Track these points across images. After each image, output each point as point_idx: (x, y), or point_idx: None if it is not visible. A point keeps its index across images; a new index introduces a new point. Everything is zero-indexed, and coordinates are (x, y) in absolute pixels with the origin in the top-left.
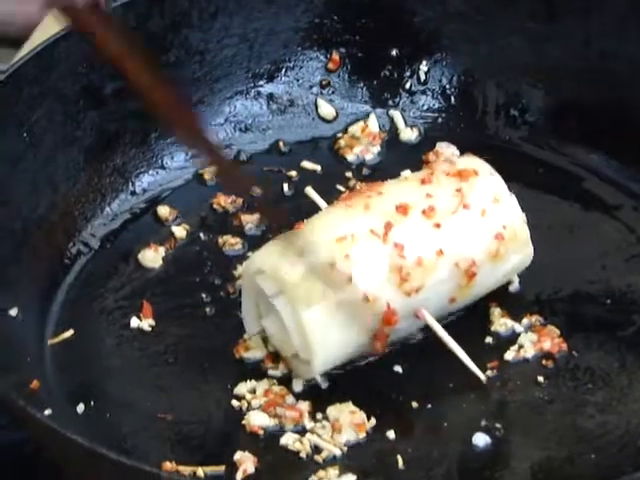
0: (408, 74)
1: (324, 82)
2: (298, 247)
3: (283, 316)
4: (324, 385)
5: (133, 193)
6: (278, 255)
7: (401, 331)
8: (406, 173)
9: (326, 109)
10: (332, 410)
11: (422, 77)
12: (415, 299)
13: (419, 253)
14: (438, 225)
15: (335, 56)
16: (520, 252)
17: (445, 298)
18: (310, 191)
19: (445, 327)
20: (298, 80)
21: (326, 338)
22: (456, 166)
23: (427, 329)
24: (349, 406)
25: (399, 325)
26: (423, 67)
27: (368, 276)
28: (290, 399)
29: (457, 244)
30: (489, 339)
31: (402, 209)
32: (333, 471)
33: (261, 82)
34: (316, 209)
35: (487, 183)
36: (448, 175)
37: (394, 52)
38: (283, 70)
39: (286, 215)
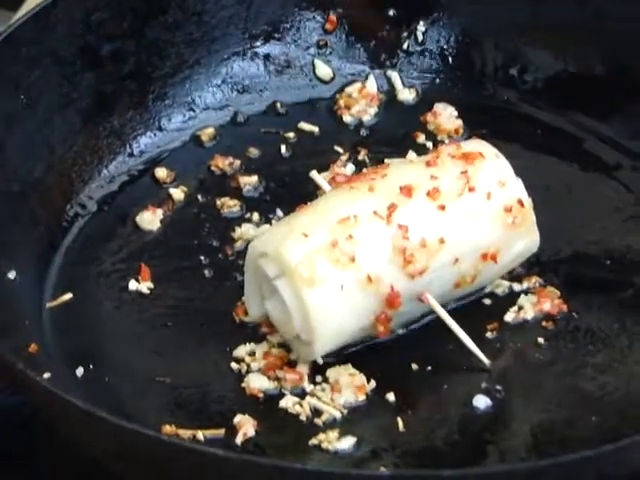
0: (406, 34)
1: (321, 43)
2: (300, 229)
3: (285, 297)
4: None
5: (130, 155)
6: (281, 237)
7: (405, 315)
8: (412, 156)
9: (323, 70)
10: (332, 372)
11: (420, 37)
12: (419, 282)
13: (423, 235)
14: (443, 207)
15: (332, 17)
16: (526, 237)
17: (450, 283)
18: (315, 175)
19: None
20: (295, 41)
21: (328, 319)
22: (462, 149)
23: (431, 314)
24: (349, 368)
25: (402, 308)
26: (421, 27)
27: (371, 257)
28: (290, 361)
29: (462, 227)
30: (487, 301)
31: (406, 190)
32: (333, 434)
33: (258, 43)
34: (315, 170)
35: (493, 166)
36: (454, 158)
37: (391, 12)
38: (280, 31)
39: None
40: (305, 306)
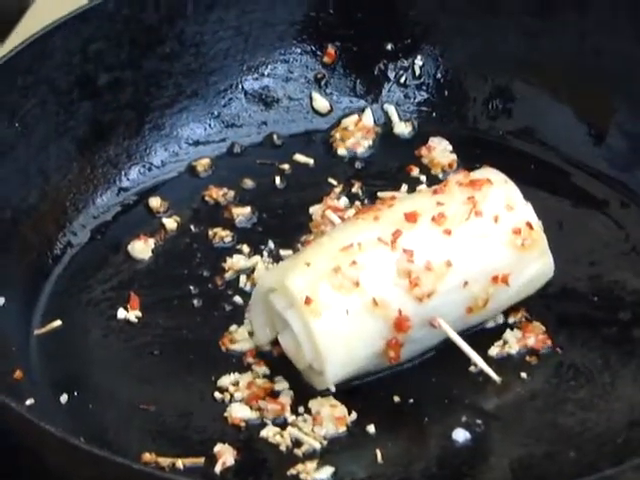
0: (403, 68)
1: (319, 76)
2: (304, 259)
3: (294, 328)
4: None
5: (125, 184)
6: (285, 270)
7: (418, 342)
8: (422, 187)
9: (321, 103)
10: (313, 403)
11: (417, 71)
12: (428, 306)
13: (428, 258)
14: (449, 232)
15: (330, 50)
16: (538, 260)
17: (461, 307)
18: (329, 213)
19: None
20: (293, 73)
21: (336, 345)
22: (470, 177)
23: (448, 341)
24: (330, 400)
25: (414, 334)
26: (418, 61)
27: (376, 281)
28: (273, 392)
29: (469, 250)
30: (473, 334)
31: (411, 217)
32: (311, 465)
33: (256, 75)
34: (308, 202)
35: (500, 191)
36: (461, 185)
37: (389, 46)
38: (278, 63)
39: None
40: (312, 334)
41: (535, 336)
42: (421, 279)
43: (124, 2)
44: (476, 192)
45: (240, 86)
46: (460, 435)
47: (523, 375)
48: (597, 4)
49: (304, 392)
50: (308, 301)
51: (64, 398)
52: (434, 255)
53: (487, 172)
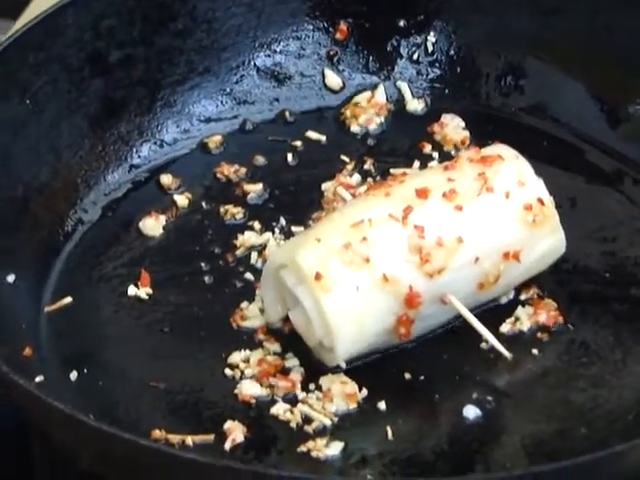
0: (416, 45)
1: (331, 52)
2: (314, 235)
3: (304, 304)
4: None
5: (137, 161)
6: (296, 246)
7: (429, 319)
8: (433, 164)
9: (333, 79)
10: (324, 380)
11: (430, 48)
12: (439, 282)
13: (440, 234)
14: (460, 207)
15: (342, 26)
16: (550, 236)
17: (472, 283)
18: (340, 189)
19: None
20: (305, 50)
21: (346, 321)
22: (481, 153)
23: (456, 320)
24: (341, 377)
25: (425, 310)
26: (431, 38)
27: (386, 256)
28: (283, 369)
29: (480, 226)
30: (485, 311)
31: (422, 193)
32: (321, 441)
33: (268, 52)
34: (319, 179)
35: (512, 167)
36: (472, 162)
37: (402, 23)
38: (290, 40)
39: None
40: (322, 310)
41: (547, 313)
42: (432, 255)
43: None
44: (487, 168)
45: (252, 63)
46: (471, 412)
47: (534, 352)
48: None
49: (315, 369)
50: (318, 277)
51: (74, 375)
52: (445, 231)
53: (498, 148)
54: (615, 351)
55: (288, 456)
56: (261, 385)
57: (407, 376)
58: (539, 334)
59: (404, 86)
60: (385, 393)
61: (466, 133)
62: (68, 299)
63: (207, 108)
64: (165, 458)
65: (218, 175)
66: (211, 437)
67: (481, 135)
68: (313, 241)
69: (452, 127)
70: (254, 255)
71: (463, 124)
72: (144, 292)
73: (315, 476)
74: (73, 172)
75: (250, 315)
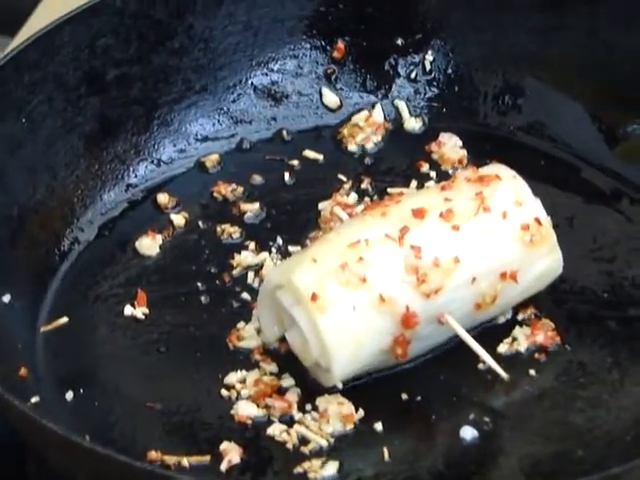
0: (413, 64)
1: (329, 71)
2: (311, 256)
3: (301, 325)
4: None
5: (133, 180)
6: (292, 266)
7: (426, 339)
8: (431, 183)
9: (330, 98)
10: (321, 401)
11: (427, 67)
12: (436, 302)
13: (436, 254)
14: (457, 227)
15: (340, 45)
16: (547, 256)
17: (469, 303)
18: (337, 209)
19: None
20: (302, 69)
21: (343, 342)
22: (478, 173)
23: (453, 340)
24: (338, 397)
25: (421, 330)
26: (429, 57)
27: (383, 277)
28: (280, 389)
29: (477, 246)
30: (483, 331)
31: (419, 213)
32: (317, 462)
33: (265, 70)
34: (316, 198)
35: (509, 186)
36: (470, 181)
37: (399, 41)
38: (287, 58)
39: None
40: (319, 330)
41: (544, 333)
42: (429, 275)
43: None
44: (484, 188)
45: (249, 81)
46: (468, 433)
47: (532, 372)
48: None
49: (311, 389)
50: (314, 297)
51: (70, 395)
52: (442, 251)
53: (496, 168)
54: (613, 372)
55: (284, 477)
56: (257, 406)
57: (404, 397)
58: (536, 355)
59: (402, 105)
60: (382, 414)
61: (464, 152)
62: (64, 319)
63: (204, 127)
64: None
65: (215, 194)
66: (207, 458)
67: (479, 154)
68: (309, 261)
69: (450, 146)
70: (251, 275)
71: (461, 143)
72: (140, 312)
73: None
74: (69, 191)
75: (246, 335)
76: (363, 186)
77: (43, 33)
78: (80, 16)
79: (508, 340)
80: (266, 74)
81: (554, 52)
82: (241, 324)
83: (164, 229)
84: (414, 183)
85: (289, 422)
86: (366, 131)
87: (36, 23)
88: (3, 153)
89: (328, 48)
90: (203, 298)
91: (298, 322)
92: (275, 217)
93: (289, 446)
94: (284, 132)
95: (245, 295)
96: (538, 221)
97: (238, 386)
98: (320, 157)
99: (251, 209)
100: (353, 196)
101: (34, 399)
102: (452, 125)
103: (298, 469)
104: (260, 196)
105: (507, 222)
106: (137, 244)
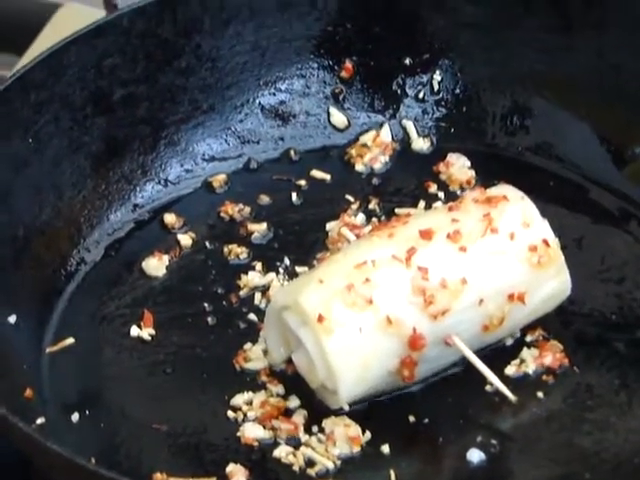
0: (421, 84)
1: (336, 91)
2: (317, 277)
3: (307, 346)
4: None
5: (140, 201)
6: (299, 288)
7: (433, 361)
8: (439, 204)
9: (338, 118)
10: (327, 423)
11: (435, 87)
12: (443, 324)
13: (443, 276)
14: (464, 249)
15: (348, 64)
16: (555, 278)
17: (477, 325)
18: (344, 230)
19: None
20: (310, 88)
21: (349, 364)
22: (486, 194)
23: (460, 363)
24: (344, 419)
25: (429, 352)
26: (436, 76)
27: (390, 298)
28: (286, 411)
29: (484, 267)
30: (490, 353)
31: (426, 234)
32: None
33: (272, 90)
34: (324, 218)
35: (517, 207)
36: (477, 202)
37: (407, 61)
38: (295, 78)
39: None
40: (325, 352)
41: (552, 355)
42: (436, 297)
43: (140, 16)
44: (492, 209)
45: (257, 101)
46: (475, 456)
47: (539, 395)
48: (616, 21)
49: (318, 411)
50: (321, 319)
51: (75, 417)
52: (449, 272)
53: (504, 189)
54: (620, 394)
55: None
56: (264, 427)
57: (411, 419)
58: (544, 377)
59: (410, 125)
60: (389, 436)
61: (472, 173)
62: (70, 340)
63: (211, 147)
64: None
65: (222, 214)
66: None
67: (487, 175)
68: (316, 282)
69: (458, 167)
70: (258, 296)
71: (469, 163)
72: (147, 333)
73: None
74: (75, 211)
75: (253, 357)
76: (371, 206)
77: (49, 53)
78: (86, 36)
79: (516, 362)
80: (274, 94)
81: (562, 72)
82: (248, 345)
83: (171, 249)
84: (422, 204)
85: (295, 444)
86: (374, 151)
87: (44, 42)
88: (9, 172)
89: (336, 68)
90: (210, 319)
91: (304, 343)
92: (282, 237)
93: (295, 468)
94: (292, 152)
95: (252, 316)
96: (546, 242)
97: (244, 408)
98: (328, 177)
99: (258, 229)
100: (361, 217)
101: (39, 420)
102: (460, 145)
103: None
104: (267, 216)
105: (515, 243)
106: (144, 264)
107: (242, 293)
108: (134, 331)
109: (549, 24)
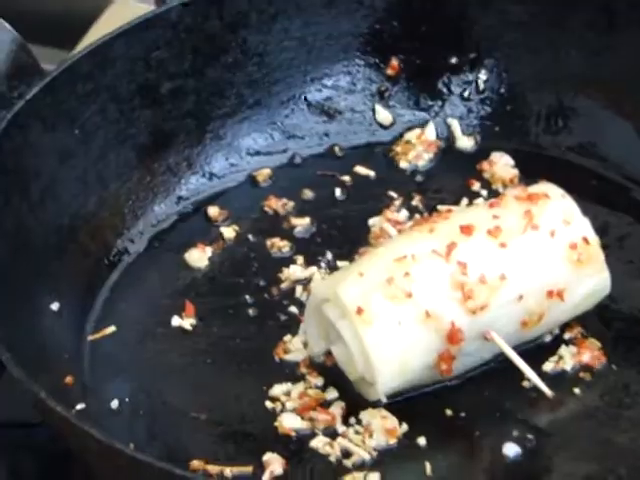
0: (467, 82)
1: (382, 88)
2: (357, 269)
3: (346, 339)
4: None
5: (184, 193)
6: (339, 280)
7: (471, 355)
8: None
9: (383, 115)
10: (364, 414)
11: (481, 86)
12: (482, 319)
13: (483, 271)
14: (504, 245)
15: (394, 62)
16: (595, 276)
17: (515, 321)
18: (387, 225)
19: None
20: (356, 85)
21: (388, 356)
22: (527, 191)
23: (499, 357)
24: (381, 411)
25: (467, 347)
26: (482, 76)
27: (429, 292)
28: (324, 402)
29: (524, 264)
30: (529, 349)
31: (467, 229)
32: (359, 475)
33: (319, 86)
34: (367, 214)
35: (558, 205)
36: (518, 199)
37: (453, 60)
38: (341, 75)
39: None
40: (364, 344)
41: (590, 352)
42: (475, 292)
43: (187, 11)
44: (533, 206)
45: (303, 97)
46: (511, 450)
47: (577, 391)
48: None
49: (355, 403)
50: (360, 311)
51: (115, 404)
52: (488, 268)
53: (545, 187)
54: None
55: None
56: (302, 418)
57: (448, 412)
58: (582, 374)
59: (454, 123)
60: (425, 429)
61: (515, 171)
62: (112, 328)
63: (256, 141)
64: None
65: (266, 208)
66: (250, 469)
67: (530, 173)
68: (356, 275)
69: (501, 165)
70: (299, 289)
71: (512, 162)
72: (188, 323)
73: None
74: (120, 202)
75: (293, 348)
76: (414, 203)
77: (98, 44)
78: (135, 29)
79: (554, 358)
80: (320, 90)
81: (606, 72)
82: (288, 337)
83: (214, 242)
84: (465, 201)
85: (332, 435)
86: (418, 149)
87: (93, 37)
88: (55, 163)
89: (382, 65)
90: (251, 311)
91: (343, 336)
92: (325, 232)
93: (332, 459)
94: (336, 148)
95: (293, 308)
96: (586, 240)
97: (283, 398)
98: (371, 173)
99: (301, 223)
100: (404, 213)
101: (79, 406)
102: (504, 144)
103: None
104: (311, 211)
105: (555, 240)
106: (186, 256)
107: (283, 286)
108: (175, 321)
109: (594, 23)
